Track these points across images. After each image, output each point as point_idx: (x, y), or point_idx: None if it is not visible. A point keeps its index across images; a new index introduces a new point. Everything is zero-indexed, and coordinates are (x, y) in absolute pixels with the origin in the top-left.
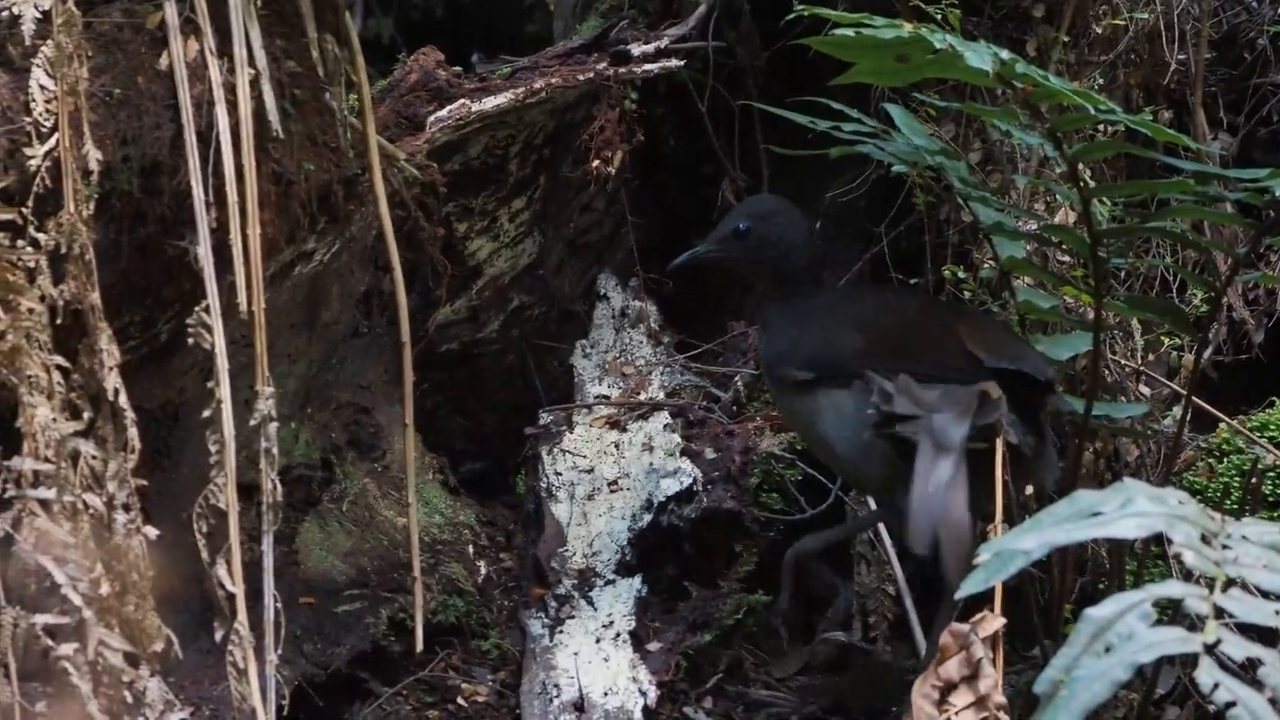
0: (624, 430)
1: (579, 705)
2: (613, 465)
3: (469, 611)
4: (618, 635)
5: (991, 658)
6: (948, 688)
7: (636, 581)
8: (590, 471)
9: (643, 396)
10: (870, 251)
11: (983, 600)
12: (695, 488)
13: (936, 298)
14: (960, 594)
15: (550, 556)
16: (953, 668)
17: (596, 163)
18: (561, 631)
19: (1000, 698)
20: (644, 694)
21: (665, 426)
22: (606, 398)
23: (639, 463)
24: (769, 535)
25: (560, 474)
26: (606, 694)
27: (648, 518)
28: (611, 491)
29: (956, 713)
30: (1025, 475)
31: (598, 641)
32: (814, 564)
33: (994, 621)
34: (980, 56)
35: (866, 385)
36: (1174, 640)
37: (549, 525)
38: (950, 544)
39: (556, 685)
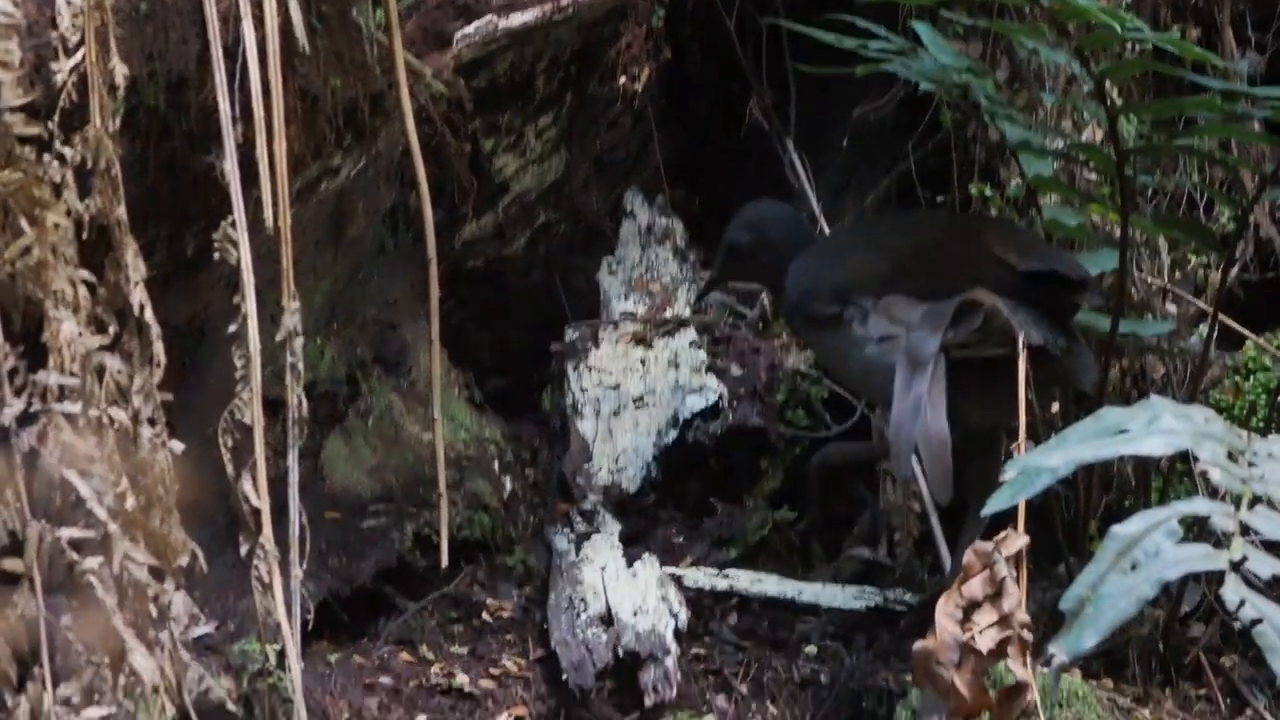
0: (650, 347)
1: (606, 619)
2: (638, 382)
3: (494, 527)
4: (646, 551)
5: (1015, 576)
6: (971, 606)
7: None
8: (616, 388)
9: (668, 313)
10: (897, 170)
11: (1009, 518)
12: (721, 404)
13: (958, 212)
14: (986, 511)
15: (576, 472)
16: (976, 586)
17: (624, 80)
18: (588, 547)
19: (1024, 616)
20: (675, 615)
21: (691, 343)
22: (632, 314)
23: (665, 379)
24: (794, 452)
25: (586, 390)
26: (636, 614)
27: (673, 434)
28: (637, 408)
29: (980, 631)
30: (1057, 377)
31: (625, 558)
32: (842, 478)
33: (1018, 540)
34: None
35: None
36: (1200, 557)
37: (574, 441)
38: (929, 459)
39: (583, 600)
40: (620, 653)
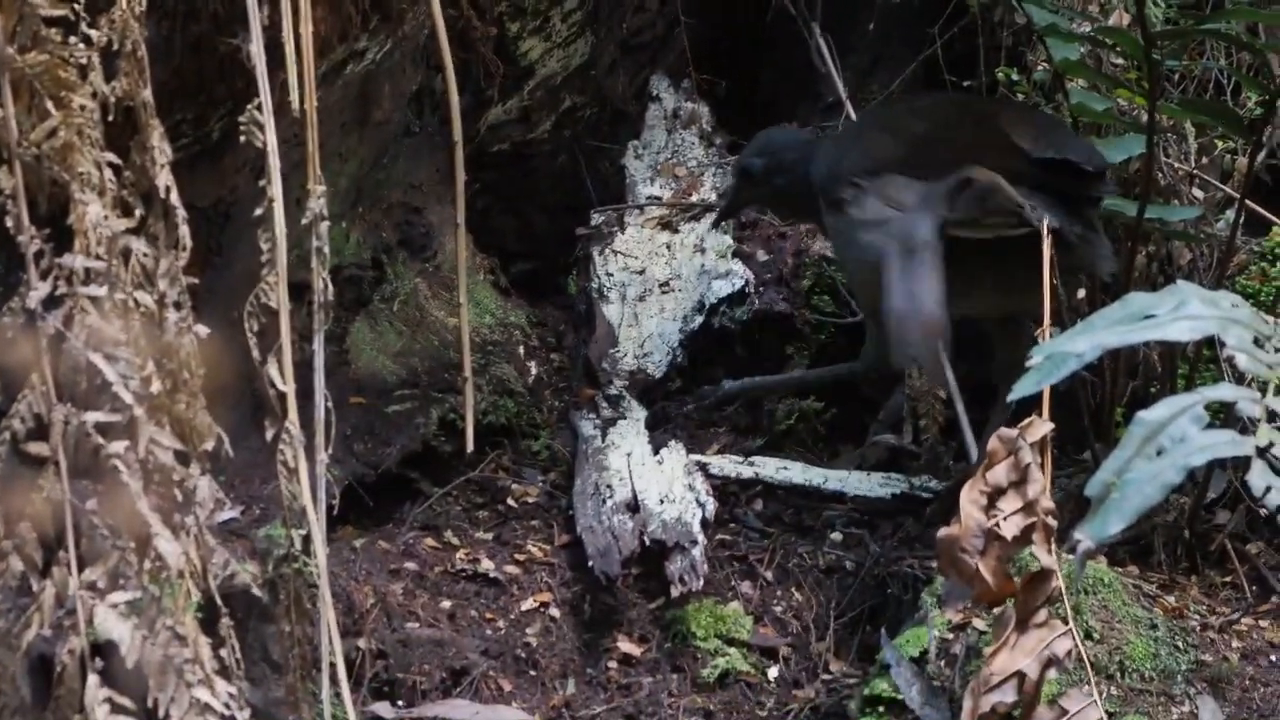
0: (675, 231)
1: (632, 506)
2: (664, 266)
3: (519, 412)
4: (672, 439)
5: (1040, 462)
6: (995, 493)
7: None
8: (641, 273)
9: (694, 198)
10: (923, 55)
11: (1035, 404)
12: (747, 290)
13: (979, 96)
14: (1011, 397)
15: (601, 357)
16: (1000, 473)
17: None
18: (613, 432)
19: (1048, 502)
20: (701, 505)
21: (717, 228)
22: (658, 199)
23: (690, 264)
24: (820, 338)
25: (611, 275)
26: (663, 502)
27: (699, 320)
28: (663, 293)
29: (1004, 517)
30: (1074, 265)
31: (650, 444)
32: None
33: (1042, 426)
34: None
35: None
36: (1226, 443)
37: (600, 326)
38: (922, 350)
39: (609, 486)
40: (647, 541)
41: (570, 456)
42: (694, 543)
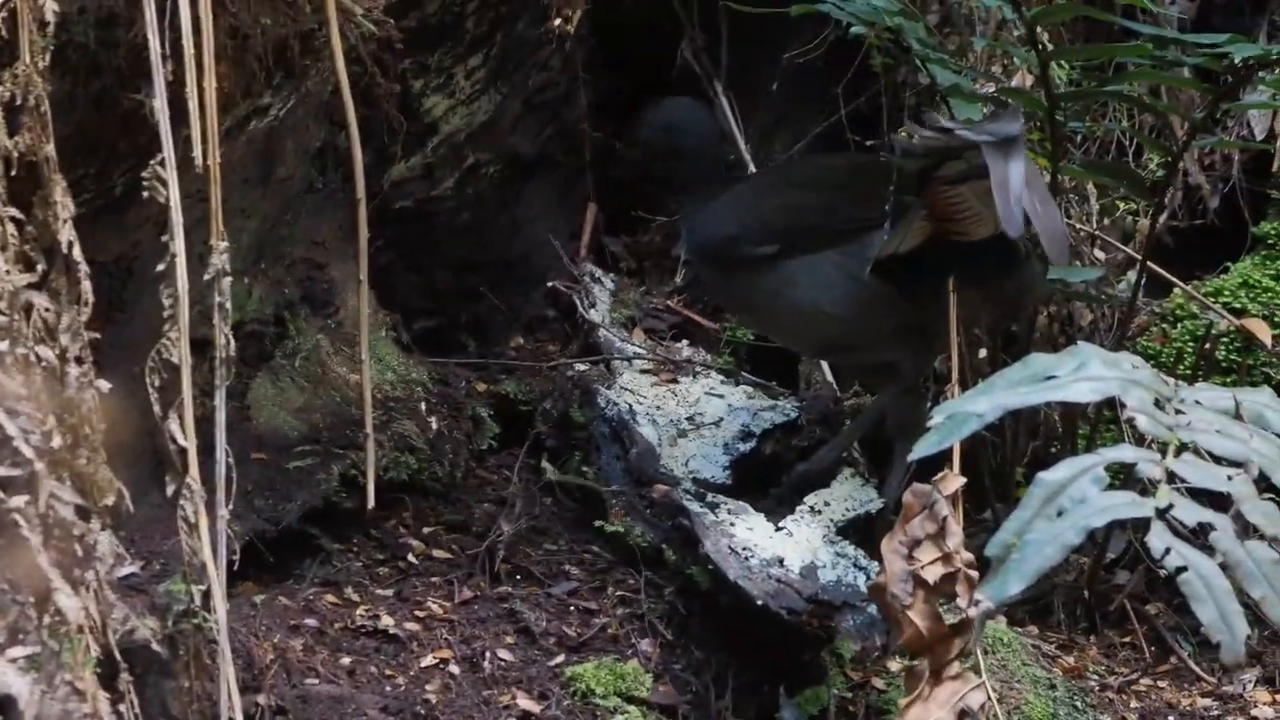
0: (675, 382)
1: (781, 562)
2: (678, 405)
3: (421, 469)
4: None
5: (954, 515)
6: (914, 544)
7: None
8: (659, 408)
9: (684, 355)
10: (827, 114)
11: (939, 462)
12: (800, 422)
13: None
14: (913, 456)
15: (651, 468)
16: (918, 526)
17: (559, 21)
18: (722, 509)
19: (967, 554)
20: (862, 569)
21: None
22: (641, 351)
23: (711, 404)
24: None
25: (631, 406)
26: (817, 566)
27: (747, 445)
28: (692, 425)
29: (923, 567)
30: (1023, 289)
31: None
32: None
33: (954, 480)
34: None
35: (850, 245)
36: (1126, 504)
37: (640, 442)
38: (1049, 234)
39: (746, 549)
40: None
41: (469, 516)
42: (866, 600)
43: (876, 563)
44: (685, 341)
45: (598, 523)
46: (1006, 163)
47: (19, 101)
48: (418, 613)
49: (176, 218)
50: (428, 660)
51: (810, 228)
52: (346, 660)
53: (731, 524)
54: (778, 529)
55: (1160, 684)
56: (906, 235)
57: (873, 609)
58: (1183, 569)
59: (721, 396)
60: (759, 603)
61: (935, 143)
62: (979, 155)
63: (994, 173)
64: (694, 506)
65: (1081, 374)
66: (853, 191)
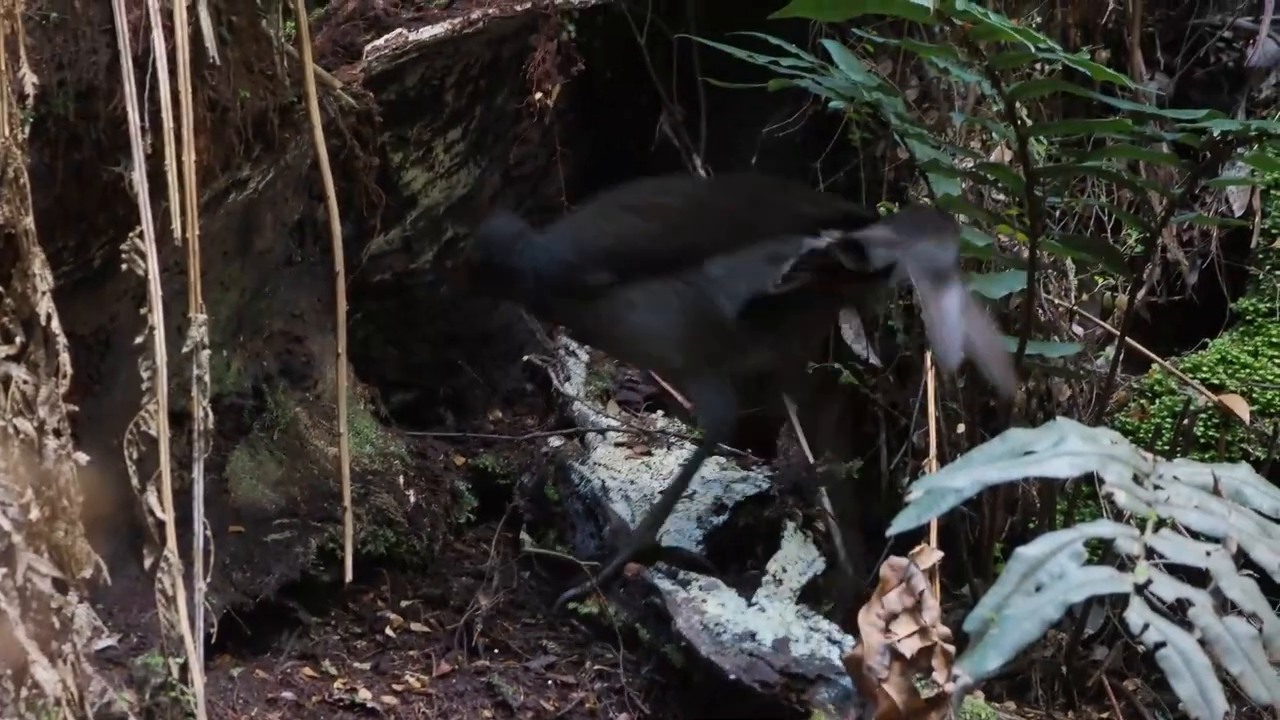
0: (649, 454)
1: (753, 636)
2: (652, 480)
3: (399, 542)
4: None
5: (931, 589)
6: (891, 617)
7: None
8: (634, 483)
9: (657, 425)
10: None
11: (916, 536)
12: (771, 493)
13: (699, 176)
14: (891, 531)
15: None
16: (894, 599)
17: (538, 95)
18: (693, 586)
19: (943, 628)
20: (836, 643)
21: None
22: (615, 423)
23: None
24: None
25: (604, 481)
26: (787, 641)
27: (720, 519)
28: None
29: (900, 640)
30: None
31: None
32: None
33: (931, 554)
34: None
35: (689, 272)
36: (1105, 580)
37: (613, 519)
38: (992, 360)
39: (718, 624)
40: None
41: (446, 591)
42: (840, 674)
43: (850, 636)
44: (660, 412)
45: (572, 604)
46: (941, 296)
47: None
48: (396, 686)
49: (155, 290)
50: None
51: (644, 254)
52: None
53: (703, 600)
54: (750, 604)
55: None
56: (786, 287)
57: (848, 682)
58: (1161, 644)
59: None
60: (731, 677)
61: (846, 253)
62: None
63: (928, 307)
64: (665, 584)
65: (1060, 449)
66: (689, 216)
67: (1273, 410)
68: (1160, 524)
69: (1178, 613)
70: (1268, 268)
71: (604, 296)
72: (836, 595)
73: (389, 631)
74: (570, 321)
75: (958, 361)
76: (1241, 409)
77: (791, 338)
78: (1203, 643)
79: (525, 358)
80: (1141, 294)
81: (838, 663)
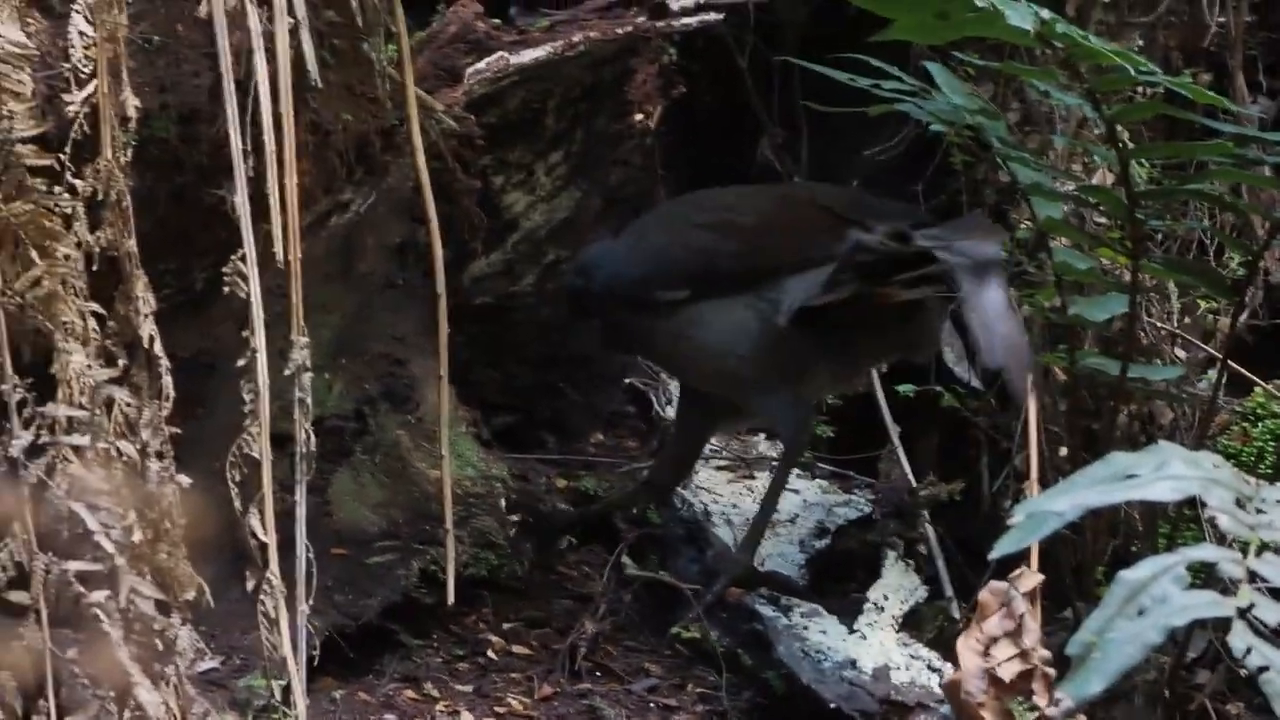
0: (751, 477)
1: (854, 664)
2: (754, 503)
3: (500, 565)
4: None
5: (1032, 612)
6: (991, 641)
7: None
8: (735, 506)
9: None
10: None
11: (1018, 559)
12: (874, 516)
13: (767, 184)
14: (994, 555)
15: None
16: (994, 624)
17: (640, 117)
18: (795, 613)
19: (1044, 651)
20: (935, 670)
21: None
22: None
23: (787, 500)
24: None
25: (706, 505)
26: (890, 668)
27: (822, 543)
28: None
29: (1000, 664)
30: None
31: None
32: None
33: (1032, 578)
34: (1021, 15)
35: (766, 290)
36: (1207, 604)
37: (715, 543)
38: (1016, 367)
39: (820, 652)
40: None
41: (548, 611)
42: (940, 701)
43: (950, 664)
44: (761, 435)
45: (674, 629)
46: (982, 290)
47: (101, 197)
48: (498, 709)
49: (257, 313)
50: None
51: (723, 273)
52: None
53: (805, 627)
54: (851, 631)
55: None
56: (837, 297)
57: (947, 709)
58: (1264, 669)
59: (797, 492)
60: (832, 705)
61: (896, 251)
62: (945, 268)
63: (969, 301)
64: (767, 611)
65: (1163, 473)
66: (768, 234)
67: None
68: (1263, 548)
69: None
70: None
71: (676, 314)
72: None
73: (491, 654)
74: (639, 339)
75: (996, 359)
76: None
77: (850, 356)
78: None
79: (627, 380)
80: (1244, 317)
81: (937, 690)
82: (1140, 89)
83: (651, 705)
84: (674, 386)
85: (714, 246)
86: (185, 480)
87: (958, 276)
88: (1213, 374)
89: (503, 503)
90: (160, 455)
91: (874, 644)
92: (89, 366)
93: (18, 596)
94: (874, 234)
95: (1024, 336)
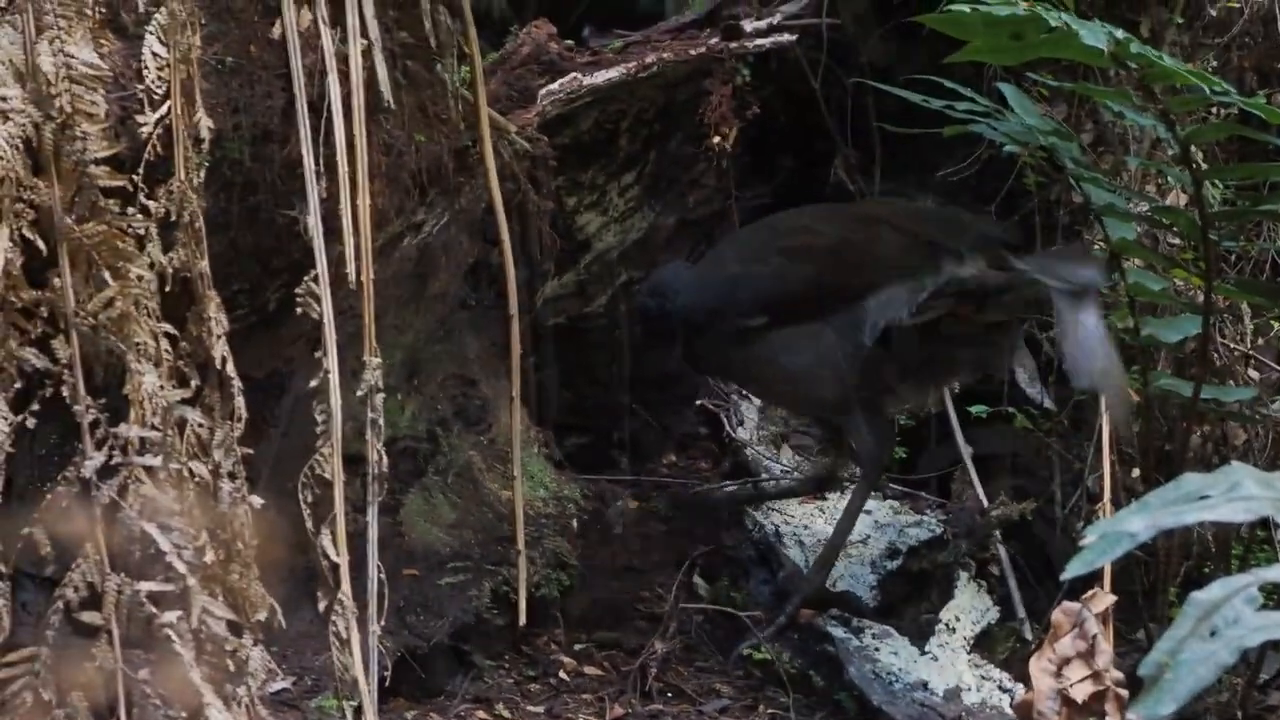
0: (824, 499)
1: (925, 685)
2: (825, 524)
3: (572, 586)
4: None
5: (1104, 634)
6: (1063, 662)
7: None
8: (807, 528)
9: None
10: None
11: (1091, 580)
12: (946, 537)
13: (833, 204)
14: (1066, 575)
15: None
16: (1067, 644)
17: (716, 139)
18: (866, 634)
19: (1117, 673)
20: (1007, 690)
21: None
22: (788, 470)
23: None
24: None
25: (778, 526)
26: (962, 689)
27: (894, 564)
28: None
29: (1072, 685)
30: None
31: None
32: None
33: (1105, 599)
34: (1095, 35)
35: (845, 314)
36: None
37: (787, 564)
38: (1112, 390)
39: (891, 673)
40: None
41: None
42: None
43: (1020, 684)
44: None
45: (745, 650)
46: (1078, 312)
47: (174, 218)
48: None
49: (330, 334)
50: None
51: (802, 297)
52: None
53: (876, 649)
54: (923, 652)
55: None
56: (922, 317)
57: None
58: None
59: (869, 512)
60: None
61: (991, 280)
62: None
63: (1063, 322)
64: (838, 632)
65: (1235, 494)
66: (845, 256)
67: None
68: None
69: None
70: None
71: (756, 340)
72: None
73: (563, 675)
74: (719, 364)
75: (1090, 381)
76: None
77: (929, 374)
78: None
79: (698, 402)
80: None
81: (1009, 711)
82: (1214, 110)
83: None
84: (744, 407)
85: (792, 272)
86: (257, 501)
87: (1056, 300)
88: None
89: (575, 524)
90: (232, 476)
91: (945, 665)
92: (161, 387)
93: (90, 617)
94: (971, 262)
95: (1119, 361)
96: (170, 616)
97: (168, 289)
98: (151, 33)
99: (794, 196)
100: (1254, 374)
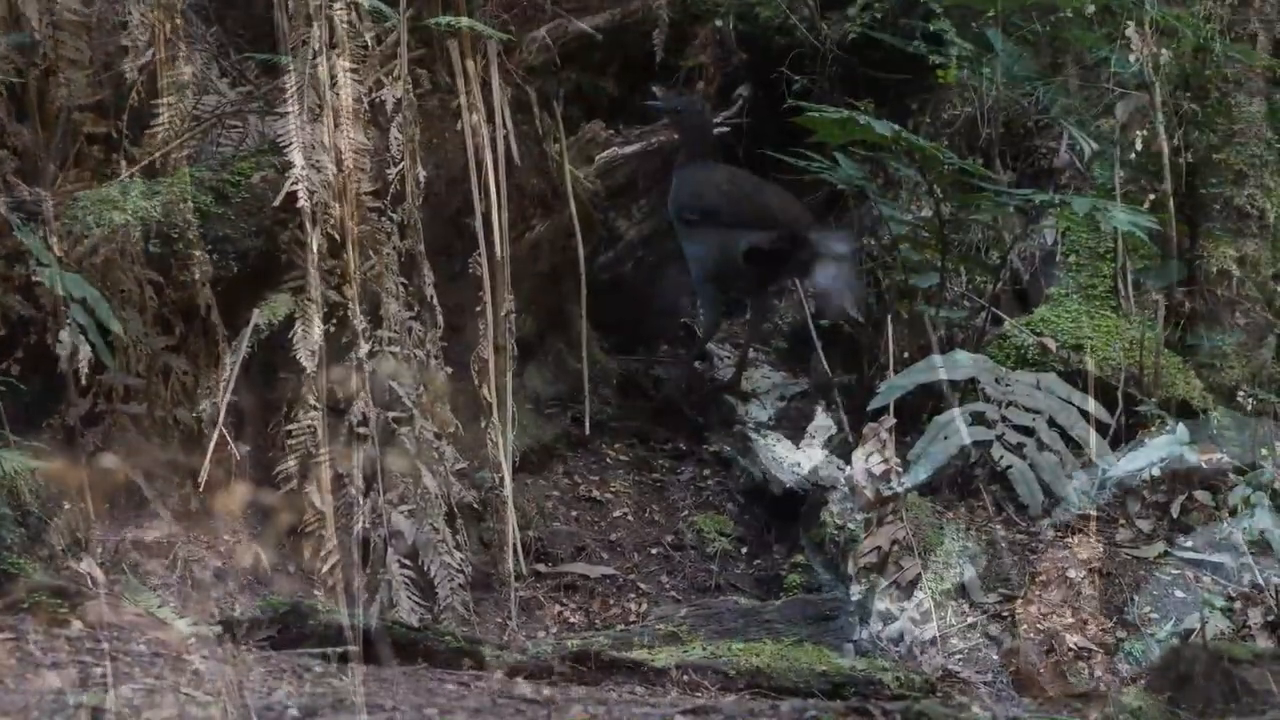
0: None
1: (798, 465)
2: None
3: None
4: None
5: (890, 439)
6: (868, 454)
7: None
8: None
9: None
10: None
11: (885, 410)
12: None
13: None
14: (871, 407)
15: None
16: (871, 444)
17: None
18: (770, 436)
19: (897, 458)
20: (841, 469)
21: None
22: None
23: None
24: None
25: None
26: (818, 468)
27: None
28: None
29: (873, 465)
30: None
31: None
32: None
33: (889, 421)
34: (884, 127)
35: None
36: (980, 431)
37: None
38: (851, 312)
39: (781, 459)
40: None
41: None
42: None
43: (846, 465)
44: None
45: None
46: (836, 268)
47: (406, 222)
48: None
49: (488, 285)
50: None
51: (719, 211)
52: None
53: (773, 445)
54: (797, 447)
55: None
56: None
57: (846, 484)
58: (1009, 466)
59: (768, 378)
60: (788, 487)
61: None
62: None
63: (822, 269)
64: (754, 435)
65: (954, 363)
66: (750, 201)
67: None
68: (1009, 404)
69: (1017, 451)
70: None
71: (692, 230)
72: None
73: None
74: (680, 238)
75: (833, 315)
76: (1050, 345)
77: (764, 278)
78: (1031, 465)
79: (682, 320)
80: (999, 285)
81: (843, 478)
82: (944, 167)
83: (693, 487)
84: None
85: (706, 195)
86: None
87: (819, 257)
88: (982, 316)
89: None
90: (436, 357)
91: (810, 455)
92: (397, 310)
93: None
94: (798, 228)
95: (858, 288)
96: (404, 430)
97: (401, 260)
98: (395, 127)
99: None
100: (966, 303)
